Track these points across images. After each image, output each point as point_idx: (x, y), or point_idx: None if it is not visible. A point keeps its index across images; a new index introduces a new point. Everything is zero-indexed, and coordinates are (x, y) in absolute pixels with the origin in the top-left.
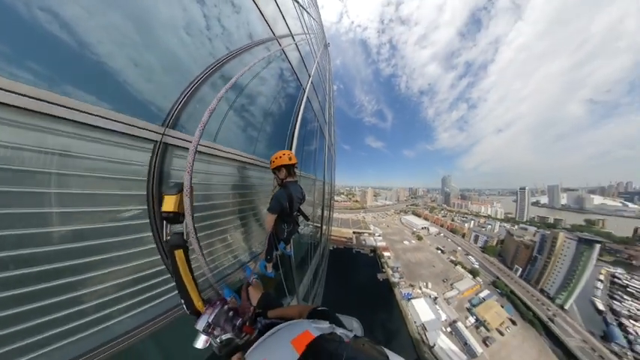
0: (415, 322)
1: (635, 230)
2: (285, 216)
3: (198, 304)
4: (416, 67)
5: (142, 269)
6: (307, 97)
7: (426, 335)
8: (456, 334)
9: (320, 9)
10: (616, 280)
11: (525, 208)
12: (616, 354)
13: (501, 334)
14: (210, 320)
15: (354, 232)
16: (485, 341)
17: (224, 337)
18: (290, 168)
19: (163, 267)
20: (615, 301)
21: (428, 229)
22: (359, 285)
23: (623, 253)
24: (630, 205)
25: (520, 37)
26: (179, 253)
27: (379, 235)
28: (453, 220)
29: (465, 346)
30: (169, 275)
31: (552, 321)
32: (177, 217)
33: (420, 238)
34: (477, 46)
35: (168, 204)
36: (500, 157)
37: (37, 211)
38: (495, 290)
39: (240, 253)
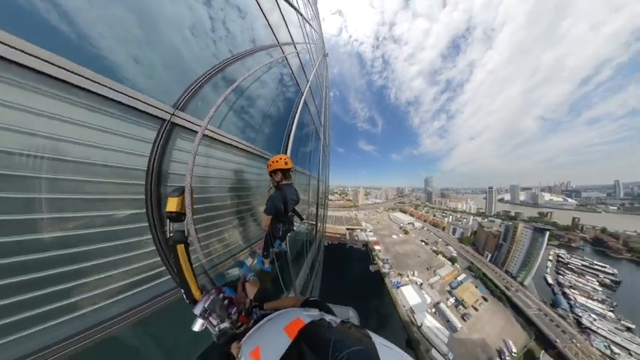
0: (404, 306)
1: (573, 220)
2: (281, 216)
3: (196, 293)
4: (404, 81)
5: (140, 243)
6: (305, 100)
7: (414, 317)
8: (439, 314)
9: (322, 21)
10: (560, 259)
11: (493, 203)
12: (561, 316)
13: (476, 309)
14: (205, 306)
15: (347, 229)
16: (463, 317)
17: (222, 326)
18: (286, 172)
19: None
20: (560, 276)
21: (413, 224)
22: (353, 277)
23: (565, 238)
24: (569, 200)
25: (491, 63)
26: (180, 248)
27: (370, 231)
28: (434, 216)
29: (448, 322)
30: (158, 257)
31: (513, 291)
32: (179, 216)
33: (406, 232)
34: (456, 67)
35: (172, 205)
36: (473, 161)
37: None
38: (470, 274)
39: (237, 248)
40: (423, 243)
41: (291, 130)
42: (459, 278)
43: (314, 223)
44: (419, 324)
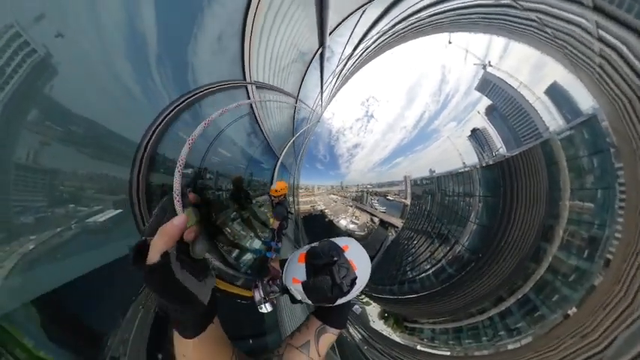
0: (343, 227)
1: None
2: (283, 219)
3: (247, 293)
4: (344, 152)
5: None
6: (304, 132)
7: (346, 228)
8: (353, 223)
9: (325, 114)
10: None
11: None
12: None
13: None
14: (260, 297)
15: (310, 206)
16: (358, 220)
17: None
18: (281, 197)
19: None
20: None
21: (338, 197)
22: (320, 227)
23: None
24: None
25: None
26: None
27: (323, 204)
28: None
29: (357, 224)
30: None
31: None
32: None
33: (335, 202)
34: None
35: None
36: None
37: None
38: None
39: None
40: (343, 204)
41: (285, 146)
42: (355, 209)
43: (292, 205)
44: (348, 229)
